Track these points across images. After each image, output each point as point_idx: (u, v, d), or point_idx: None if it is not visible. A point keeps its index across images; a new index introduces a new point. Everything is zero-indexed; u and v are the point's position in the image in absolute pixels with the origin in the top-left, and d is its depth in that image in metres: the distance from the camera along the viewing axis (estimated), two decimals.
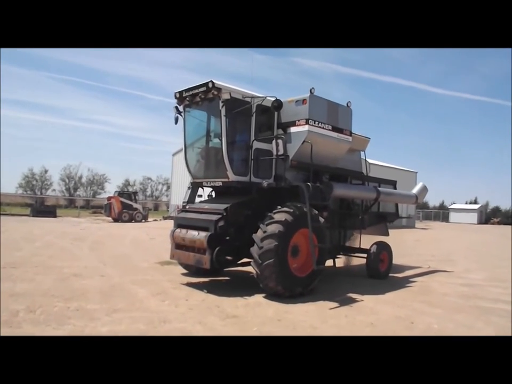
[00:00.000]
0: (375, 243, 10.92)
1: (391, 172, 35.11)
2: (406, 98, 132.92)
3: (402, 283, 10.30)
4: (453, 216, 68.46)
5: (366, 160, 11.63)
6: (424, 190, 13.20)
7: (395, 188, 12.65)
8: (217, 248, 7.83)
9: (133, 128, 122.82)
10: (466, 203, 78.24)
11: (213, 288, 8.43)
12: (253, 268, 7.87)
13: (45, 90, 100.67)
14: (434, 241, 25.48)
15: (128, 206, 33.07)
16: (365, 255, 10.89)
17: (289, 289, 7.83)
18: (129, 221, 32.32)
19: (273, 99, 8.44)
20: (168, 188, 75.23)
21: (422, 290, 9.49)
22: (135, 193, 37.81)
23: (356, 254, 11.48)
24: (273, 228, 7.69)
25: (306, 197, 8.09)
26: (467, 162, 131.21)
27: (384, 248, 10.97)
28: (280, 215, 7.88)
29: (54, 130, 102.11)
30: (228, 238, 8.12)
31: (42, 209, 38.35)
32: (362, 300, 8.11)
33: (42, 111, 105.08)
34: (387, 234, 12.26)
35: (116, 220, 32.07)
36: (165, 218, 38.35)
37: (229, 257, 8.09)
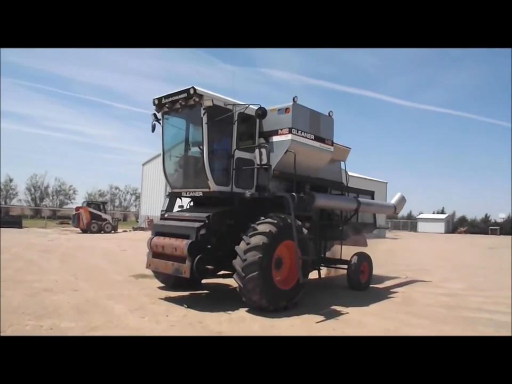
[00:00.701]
0: (355, 254, 10.77)
1: (362, 182, 35.21)
2: (373, 109, 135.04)
3: (384, 294, 10.19)
4: (421, 226, 69.70)
5: (346, 170, 11.51)
6: (402, 200, 13.18)
7: (373, 198, 12.60)
8: (198, 256, 7.49)
9: (100, 137, 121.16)
10: (433, 213, 79.71)
11: (193, 303, 8.09)
12: (236, 281, 7.57)
13: (10, 97, 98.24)
14: (407, 250, 25.68)
15: (97, 217, 32.27)
16: (346, 266, 10.71)
17: (274, 303, 7.57)
18: (98, 231, 31.51)
19: (256, 107, 8.21)
20: (137, 198, 74.41)
21: (405, 301, 9.41)
22: (104, 203, 36.95)
23: (337, 266, 11.29)
24: (257, 240, 7.42)
25: (291, 207, 7.88)
26: (433, 172, 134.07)
27: (364, 259, 10.83)
28: (264, 226, 7.63)
29: (20, 138, 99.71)
30: (209, 246, 7.80)
31: (7, 219, 36.97)
32: (347, 312, 7.92)
33: (7, 118, 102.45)
34: (365, 244, 12.17)
35: (84, 231, 31.20)
36: (134, 229, 37.58)
37: (209, 266, 7.71)
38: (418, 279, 12.99)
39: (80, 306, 7.48)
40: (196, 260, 7.46)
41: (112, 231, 32.96)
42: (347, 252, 11.12)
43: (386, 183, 46.44)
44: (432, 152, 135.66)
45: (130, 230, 36.81)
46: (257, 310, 7.59)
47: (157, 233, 8.61)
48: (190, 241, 7.61)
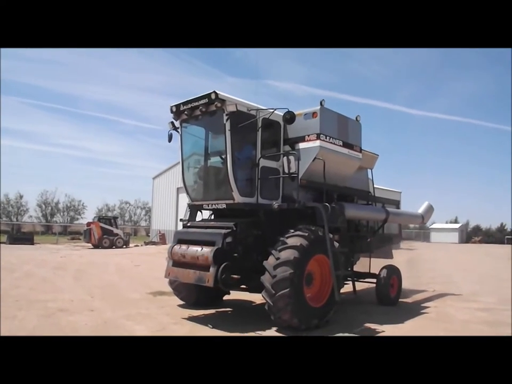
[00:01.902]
0: (384, 267, 10.26)
1: (377, 191, 34.66)
2: (382, 119, 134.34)
3: (415, 309, 9.65)
4: (434, 236, 68.40)
5: (372, 179, 10.98)
6: (430, 209, 12.63)
7: (398, 208, 12.08)
8: (224, 264, 6.98)
9: (107, 153, 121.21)
10: (446, 222, 78.50)
11: (218, 322, 7.57)
12: (264, 298, 7.03)
13: (17, 115, 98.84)
14: (426, 262, 24.91)
15: (109, 232, 31.83)
16: (375, 280, 10.16)
17: (305, 322, 7.04)
18: (110, 247, 31.03)
19: (280, 112, 7.73)
20: (147, 212, 74.03)
21: (440, 317, 8.86)
22: (116, 218, 36.57)
23: (366, 280, 10.72)
24: (287, 254, 6.90)
25: (324, 219, 7.37)
26: (445, 181, 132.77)
27: (393, 272, 10.31)
28: (294, 240, 7.11)
29: (29, 156, 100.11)
30: (235, 255, 7.31)
31: (19, 236, 36.63)
32: (383, 331, 7.39)
33: (15, 137, 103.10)
34: (392, 257, 11.66)
35: (96, 246, 30.76)
36: (146, 243, 37.05)
37: (235, 276, 7.20)
38: (447, 292, 12.41)
39: (98, 328, 6.98)
40: (222, 268, 6.95)
41: (124, 246, 32.44)
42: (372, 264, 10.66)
43: (400, 192, 45.70)
44: (444, 160, 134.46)
45: (142, 245, 36.29)
46: (287, 329, 7.08)
47: (179, 241, 8.10)
48: (216, 247, 7.12)
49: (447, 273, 18.44)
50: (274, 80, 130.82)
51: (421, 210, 12.61)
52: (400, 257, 26.93)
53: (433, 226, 72.88)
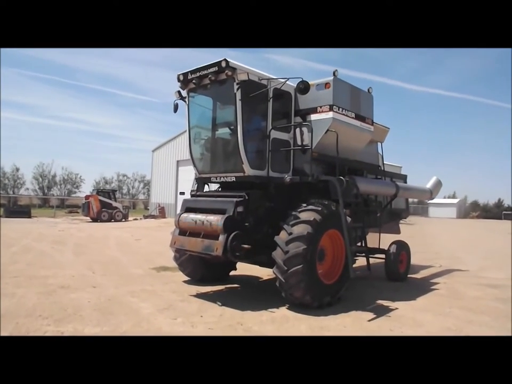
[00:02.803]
0: (393, 242, 10.02)
1: None
2: (381, 94, 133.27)
3: (425, 286, 9.48)
4: (432, 211, 68.46)
5: (382, 153, 10.63)
6: (438, 184, 12.35)
7: (405, 183, 11.76)
8: (234, 232, 6.69)
9: (105, 126, 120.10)
10: (444, 197, 78.29)
11: (227, 299, 7.32)
12: (276, 274, 6.76)
13: (15, 87, 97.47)
14: (428, 237, 24.75)
15: (108, 205, 31.40)
16: (383, 256, 9.92)
17: (318, 299, 6.80)
18: (109, 220, 30.69)
19: (293, 82, 7.33)
20: (145, 185, 73.54)
21: (451, 293, 8.69)
22: (114, 191, 36.07)
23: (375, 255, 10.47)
24: (300, 229, 6.61)
25: (339, 193, 7.06)
26: (444, 156, 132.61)
27: (403, 247, 10.09)
28: (307, 214, 6.81)
29: (25, 128, 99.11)
30: (246, 224, 7.02)
31: (16, 209, 36.22)
32: (397, 308, 7.20)
33: (12, 109, 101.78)
34: (399, 232, 11.44)
35: (94, 220, 30.41)
36: (145, 217, 36.78)
37: (245, 246, 6.85)
38: (454, 268, 12.27)
39: (102, 306, 6.70)
40: (232, 236, 6.65)
41: (123, 220, 32.10)
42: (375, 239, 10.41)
43: (401, 167, 45.41)
44: (442, 136, 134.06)
45: (141, 218, 35.99)
46: (299, 307, 6.84)
47: (187, 209, 7.79)
48: (226, 215, 6.82)
49: (450, 248, 18.32)
50: (274, 53, 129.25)
51: (429, 185, 12.33)
52: (403, 232, 27.03)
53: (432, 201, 72.82)
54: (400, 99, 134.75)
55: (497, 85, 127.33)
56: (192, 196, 8.33)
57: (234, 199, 7.04)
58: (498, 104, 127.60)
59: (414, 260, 12.63)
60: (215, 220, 6.86)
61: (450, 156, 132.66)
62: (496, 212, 71.15)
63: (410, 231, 28.95)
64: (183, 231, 7.59)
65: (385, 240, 10.35)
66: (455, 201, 71.42)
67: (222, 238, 6.69)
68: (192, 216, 7.41)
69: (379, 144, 10.49)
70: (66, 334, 5.25)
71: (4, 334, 5.11)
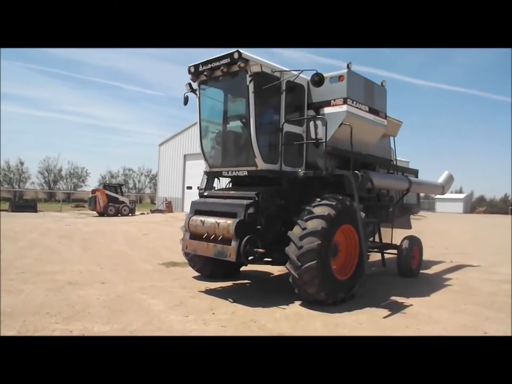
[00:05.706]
0: (405, 238, 9.87)
1: None
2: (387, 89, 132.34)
3: (438, 281, 9.34)
4: (439, 206, 68.19)
5: (394, 147, 10.45)
6: (450, 179, 12.16)
7: (417, 177, 11.59)
8: (247, 237, 6.55)
9: (110, 120, 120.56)
10: (451, 192, 77.92)
11: (238, 296, 7.19)
12: (289, 270, 6.63)
13: (20, 81, 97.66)
14: (437, 232, 24.55)
15: (114, 199, 31.31)
16: (395, 251, 9.77)
17: (332, 295, 6.67)
18: (115, 214, 30.58)
19: (306, 75, 7.18)
20: (151, 179, 73.53)
21: (465, 289, 8.56)
22: (121, 185, 35.95)
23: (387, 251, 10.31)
24: (314, 224, 6.47)
25: (354, 188, 6.92)
26: (451, 152, 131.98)
27: (415, 243, 9.94)
28: (322, 209, 6.66)
29: (30, 122, 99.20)
30: (258, 227, 6.88)
31: (22, 203, 36.12)
32: (411, 304, 7.07)
33: (17, 102, 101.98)
34: (410, 227, 11.29)
35: (101, 214, 30.34)
36: (152, 211, 36.69)
37: (260, 250, 6.73)
38: (465, 263, 12.13)
39: (111, 303, 6.57)
40: (244, 241, 6.52)
41: (130, 214, 31.99)
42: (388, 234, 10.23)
43: (408, 162, 45.12)
44: (450, 130, 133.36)
45: (148, 213, 35.91)
46: (311, 303, 6.72)
47: (196, 212, 7.63)
48: (237, 219, 6.67)
49: (460, 243, 18.21)
50: (280, 47, 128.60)
51: (441, 180, 12.14)
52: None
53: (438, 196, 72.51)
54: (407, 93, 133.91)
55: (506, 80, 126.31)
56: (200, 196, 8.19)
57: (244, 202, 6.89)
58: (505, 99, 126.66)
59: (425, 255, 12.47)
60: (226, 224, 6.73)
61: (457, 151, 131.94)
62: (502, 206, 70.95)
63: (419, 226, 28.82)
64: (194, 235, 7.46)
65: (396, 235, 10.20)
66: (461, 196, 71.14)
67: (234, 243, 6.57)
68: (202, 219, 7.28)
69: (391, 138, 10.31)
70: (75, 332, 5.12)
71: (11, 333, 4.99)
